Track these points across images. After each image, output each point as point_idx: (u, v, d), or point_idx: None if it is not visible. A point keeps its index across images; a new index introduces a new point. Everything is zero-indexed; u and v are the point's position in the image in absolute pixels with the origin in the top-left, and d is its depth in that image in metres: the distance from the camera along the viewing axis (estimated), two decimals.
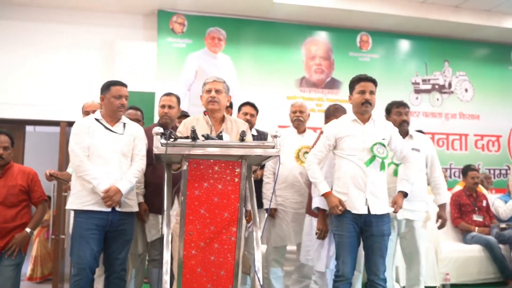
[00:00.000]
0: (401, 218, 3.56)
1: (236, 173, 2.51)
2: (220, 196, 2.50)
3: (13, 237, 3.32)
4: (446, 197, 3.81)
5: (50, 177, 3.68)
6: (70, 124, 5.60)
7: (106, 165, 3.12)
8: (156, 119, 5.77)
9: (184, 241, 2.47)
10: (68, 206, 3.21)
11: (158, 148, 2.29)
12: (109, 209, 3.08)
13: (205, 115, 3.03)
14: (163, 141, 2.28)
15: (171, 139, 2.28)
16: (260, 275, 2.47)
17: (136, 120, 3.98)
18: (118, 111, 3.24)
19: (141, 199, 3.63)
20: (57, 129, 5.51)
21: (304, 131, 4.07)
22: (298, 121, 4.01)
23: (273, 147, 2.43)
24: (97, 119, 3.23)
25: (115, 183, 3.09)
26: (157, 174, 3.48)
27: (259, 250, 2.55)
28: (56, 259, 4.92)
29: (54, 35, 5.94)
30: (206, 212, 2.50)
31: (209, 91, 2.97)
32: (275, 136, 2.43)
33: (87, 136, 3.14)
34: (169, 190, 2.56)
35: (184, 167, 2.42)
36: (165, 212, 2.47)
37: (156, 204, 3.60)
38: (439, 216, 3.80)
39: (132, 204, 3.27)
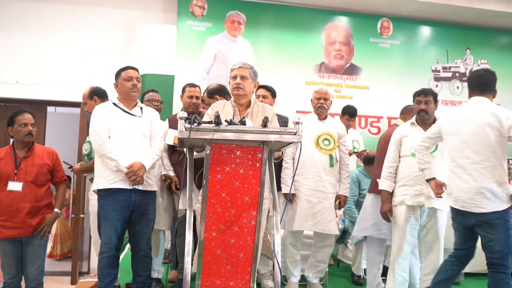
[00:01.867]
0: (428, 207, 3.57)
1: (258, 158, 2.54)
2: (242, 181, 2.54)
3: (43, 217, 3.38)
4: None
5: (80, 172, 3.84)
6: None
7: (128, 145, 3.26)
8: (176, 101, 5.85)
9: (205, 224, 2.52)
10: (93, 187, 3.35)
11: (182, 132, 2.33)
12: (131, 187, 3.20)
13: (227, 100, 3.08)
14: (187, 125, 2.31)
15: (195, 124, 2.31)
16: (279, 258, 2.52)
17: (156, 102, 4.10)
18: (131, 92, 3.36)
19: (172, 174, 3.87)
20: (77, 110, 5.58)
21: (325, 118, 4.08)
22: (322, 108, 4.02)
23: (295, 134, 2.45)
24: (114, 104, 3.35)
25: (139, 160, 3.22)
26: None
27: (279, 234, 2.59)
28: (76, 238, 5.03)
29: (76, 16, 5.99)
30: (227, 196, 2.54)
31: (234, 77, 3.03)
32: (297, 123, 2.44)
33: (107, 119, 3.27)
34: (191, 174, 2.60)
35: (207, 151, 2.45)
36: (187, 195, 2.52)
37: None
38: None
39: (152, 184, 3.38)
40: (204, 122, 2.38)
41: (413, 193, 3.58)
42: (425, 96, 3.68)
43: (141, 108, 3.45)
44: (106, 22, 6.08)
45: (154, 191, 3.45)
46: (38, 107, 6.09)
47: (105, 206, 3.25)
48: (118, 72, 3.45)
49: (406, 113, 4.35)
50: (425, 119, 3.68)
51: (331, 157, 3.92)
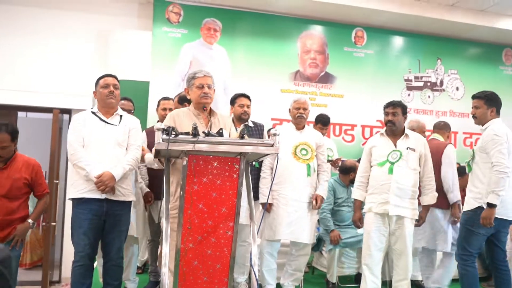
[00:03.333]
0: (392, 214, 3.66)
1: (235, 169, 2.55)
2: (219, 191, 2.55)
3: (14, 229, 3.32)
4: (430, 199, 3.86)
5: None
6: (63, 111, 5.65)
7: (101, 154, 3.25)
8: (150, 108, 5.80)
9: (181, 235, 2.51)
10: (68, 196, 3.33)
11: (159, 144, 2.32)
12: (103, 197, 3.18)
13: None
14: (165, 136, 2.30)
15: (172, 135, 2.31)
16: (256, 269, 2.53)
17: (128, 111, 4.10)
18: (107, 99, 3.35)
19: (146, 189, 4.02)
20: (49, 116, 5.48)
21: (303, 127, 4.11)
22: (301, 118, 4.05)
23: (272, 145, 2.48)
24: (93, 112, 3.36)
25: (109, 170, 3.19)
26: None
27: (256, 244, 2.60)
28: (47, 246, 4.93)
29: (48, 20, 5.87)
30: (204, 207, 2.54)
31: (201, 86, 2.98)
32: (275, 135, 2.46)
33: (83, 128, 3.27)
34: (167, 184, 2.59)
35: (184, 163, 2.45)
36: (164, 206, 2.51)
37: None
38: (420, 217, 3.87)
39: (127, 193, 3.35)
40: (182, 134, 2.37)
41: (380, 201, 3.69)
42: (393, 108, 3.82)
43: (120, 116, 3.43)
44: (80, 27, 5.98)
45: (129, 201, 3.41)
46: (8, 112, 5.96)
47: (78, 215, 3.23)
48: (97, 80, 3.46)
49: (440, 128, 4.70)
50: (392, 130, 3.82)
51: (308, 166, 3.96)
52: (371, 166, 3.86)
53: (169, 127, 2.31)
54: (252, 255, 2.56)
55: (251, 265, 2.56)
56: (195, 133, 2.33)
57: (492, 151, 3.55)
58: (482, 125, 3.77)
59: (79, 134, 3.25)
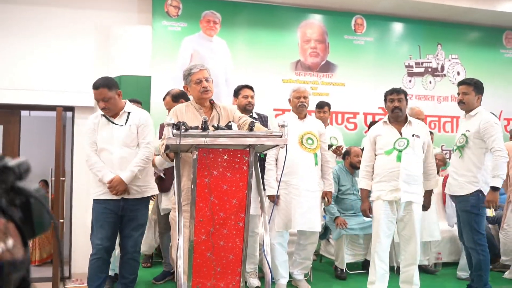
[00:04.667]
0: (404, 201, 3.69)
1: (245, 161, 2.58)
2: (229, 184, 2.58)
3: None
4: (433, 184, 3.94)
5: None
6: (66, 108, 5.67)
7: (110, 157, 3.31)
8: (153, 102, 5.83)
9: (194, 227, 2.55)
10: (90, 196, 3.51)
11: (170, 139, 2.34)
12: (119, 197, 3.28)
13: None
14: (175, 131, 2.33)
15: (183, 130, 2.33)
16: (269, 258, 2.56)
17: None
18: (104, 111, 3.41)
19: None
20: (53, 114, 5.49)
21: (305, 116, 4.11)
22: (302, 106, 4.04)
23: (281, 136, 2.50)
24: (103, 114, 3.39)
25: (119, 173, 3.28)
26: None
27: (268, 235, 2.64)
28: (56, 243, 4.98)
29: (49, 18, 5.87)
30: (215, 199, 2.57)
31: (199, 81, 2.95)
32: (283, 126, 2.49)
33: (95, 132, 3.38)
34: (178, 178, 2.62)
35: (194, 156, 2.47)
36: (176, 200, 2.54)
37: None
38: (425, 201, 3.92)
39: (143, 190, 3.42)
40: (192, 128, 2.40)
41: (389, 189, 3.72)
42: (397, 94, 3.84)
43: (128, 113, 3.43)
44: (80, 24, 5.98)
45: (146, 197, 3.49)
46: (12, 111, 5.97)
47: (96, 212, 3.39)
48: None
49: None
50: (399, 116, 3.83)
51: (315, 155, 3.97)
52: (375, 155, 3.88)
53: (180, 121, 2.33)
54: (265, 245, 2.59)
55: (264, 255, 2.59)
56: (205, 127, 2.35)
57: (492, 137, 3.71)
58: (469, 112, 3.89)
59: (92, 139, 3.38)
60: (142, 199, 3.44)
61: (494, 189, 3.65)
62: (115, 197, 3.30)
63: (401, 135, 3.79)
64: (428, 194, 3.93)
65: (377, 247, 3.77)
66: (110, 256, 3.42)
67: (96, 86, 3.33)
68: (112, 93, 3.32)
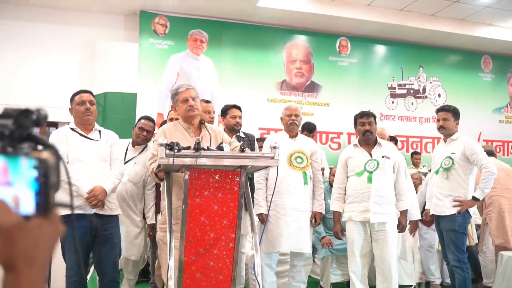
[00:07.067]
0: (373, 222, 3.73)
1: (236, 182, 2.59)
2: (220, 204, 2.58)
3: None
4: (407, 204, 3.98)
5: None
6: (51, 124, 5.61)
7: (86, 170, 3.19)
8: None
9: (184, 247, 2.54)
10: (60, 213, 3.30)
11: (162, 159, 2.35)
12: (92, 212, 3.14)
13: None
14: (169, 152, 2.33)
15: (176, 150, 2.34)
16: (260, 279, 2.57)
17: (148, 132, 4.06)
18: (84, 117, 3.28)
19: None
20: (36, 129, 5.44)
21: (296, 135, 4.11)
22: (294, 124, 4.02)
23: (272, 158, 2.53)
24: (72, 128, 3.30)
25: (100, 184, 3.16)
26: None
27: (258, 255, 2.64)
28: None
29: (36, 34, 5.85)
30: (206, 220, 2.57)
31: (185, 100, 2.96)
32: (274, 147, 2.52)
33: (64, 144, 3.21)
34: (169, 198, 2.61)
35: (186, 176, 2.48)
36: (167, 219, 2.53)
37: None
38: (399, 222, 3.97)
39: (113, 207, 3.33)
40: (184, 148, 2.41)
41: (360, 210, 3.76)
42: (368, 118, 3.91)
43: (99, 131, 3.39)
44: (66, 39, 5.97)
45: (116, 215, 3.40)
46: None
47: (66, 231, 3.20)
48: (72, 96, 3.36)
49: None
50: (369, 139, 3.89)
51: (304, 174, 3.94)
52: (347, 177, 3.95)
53: (173, 142, 2.34)
54: (256, 266, 2.59)
55: (255, 276, 2.59)
56: (198, 147, 2.37)
57: (478, 156, 3.90)
58: (449, 136, 4.07)
59: (62, 150, 3.19)
60: (113, 216, 3.32)
61: (474, 199, 3.91)
62: (88, 212, 3.13)
63: (371, 156, 3.86)
64: (403, 215, 3.97)
65: (353, 266, 3.81)
66: (86, 274, 3.34)
67: (84, 90, 3.35)
68: (95, 102, 3.36)
